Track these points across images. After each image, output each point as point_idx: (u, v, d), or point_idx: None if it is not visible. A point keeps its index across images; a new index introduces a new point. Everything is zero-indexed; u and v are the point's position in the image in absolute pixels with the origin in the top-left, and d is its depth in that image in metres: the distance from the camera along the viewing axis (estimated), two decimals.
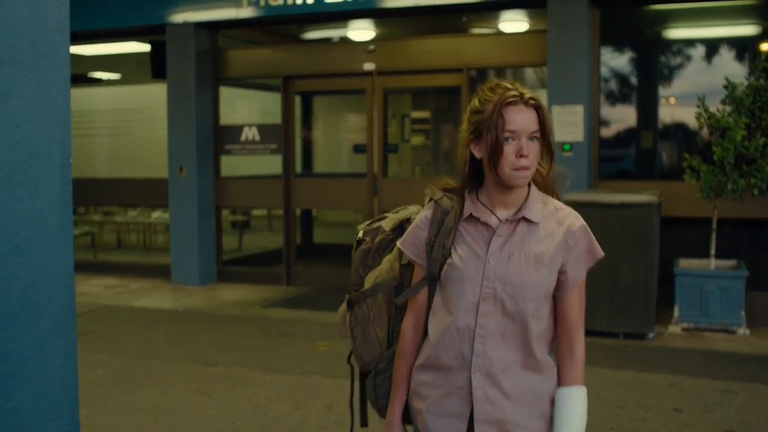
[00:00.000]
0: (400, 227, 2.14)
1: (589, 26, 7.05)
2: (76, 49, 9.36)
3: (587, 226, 1.97)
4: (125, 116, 10.31)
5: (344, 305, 2.19)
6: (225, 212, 9.64)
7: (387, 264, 2.13)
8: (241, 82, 9.38)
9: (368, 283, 2.15)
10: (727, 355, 5.75)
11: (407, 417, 2.06)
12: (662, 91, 7.52)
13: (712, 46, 7.33)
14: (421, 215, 2.03)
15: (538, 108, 1.87)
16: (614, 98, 7.77)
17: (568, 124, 7.00)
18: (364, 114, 8.50)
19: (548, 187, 2.01)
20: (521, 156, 1.84)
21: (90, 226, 10.63)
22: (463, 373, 1.90)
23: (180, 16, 8.51)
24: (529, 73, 8.85)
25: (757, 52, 6.91)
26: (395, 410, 2.05)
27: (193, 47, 8.52)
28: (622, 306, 6.14)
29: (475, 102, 1.91)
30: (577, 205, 6.11)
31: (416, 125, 10.04)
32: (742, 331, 6.18)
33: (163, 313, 7.54)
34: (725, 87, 6.02)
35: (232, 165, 9.12)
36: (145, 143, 10.13)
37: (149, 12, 8.60)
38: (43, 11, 1.11)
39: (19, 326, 1.14)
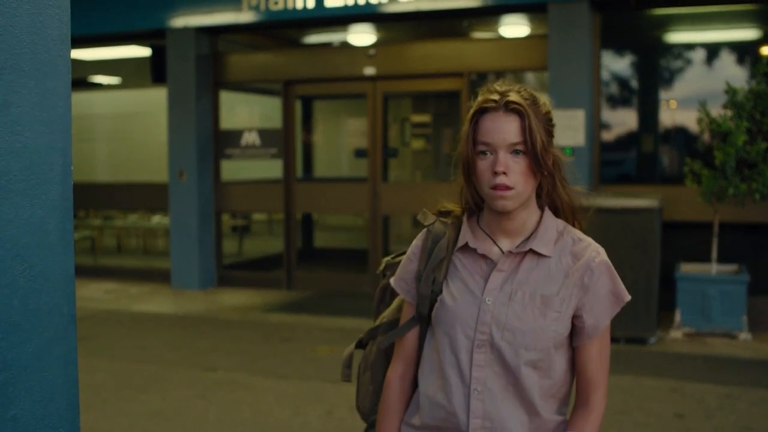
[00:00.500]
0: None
1: (589, 30, 7.05)
2: (76, 54, 9.36)
3: (610, 263, 1.67)
4: (125, 121, 10.32)
5: (351, 346, 1.95)
6: (225, 216, 9.63)
7: (396, 303, 1.86)
8: (241, 87, 9.38)
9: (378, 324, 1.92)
10: (728, 360, 5.73)
11: None
12: (663, 96, 7.52)
13: (713, 51, 7.34)
14: (412, 245, 1.77)
15: (522, 113, 1.56)
16: (615, 102, 7.77)
17: (569, 129, 6.99)
18: (364, 118, 8.50)
19: (569, 213, 1.71)
20: (496, 173, 1.55)
21: (90, 230, 10.62)
22: None
23: (180, 21, 8.51)
24: (530, 77, 8.87)
25: (758, 57, 6.91)
26: None
27: (193, 52, 8.53)
28: (624, 311, 6.08)
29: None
30: None
31: (417, 129, 10.03)
32: (744, 336, 6.17)
33: (163, 317, 7.53)
34: (726, 92, 6.02)
35: (233, 169, 9.12)
36: (145, 148, 10.14)
37: (149, 16, 8.60)
38: (44, 18, 1.10)
39: (19, 334, 1.14)
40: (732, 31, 7.47)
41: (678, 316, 6.32)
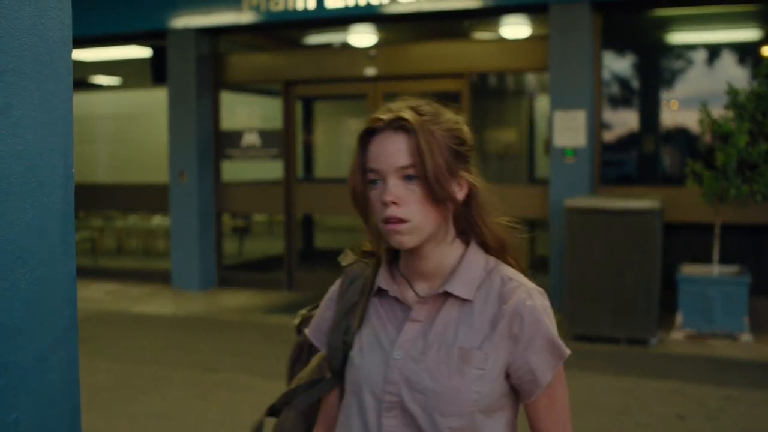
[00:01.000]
0: None
1: (590, 31, 7.05)
2: (77, 54, 9.36)
3: (546, 306, 1.36)
4: (126, 121, 10.31)
5: (262, 414, 1.65)
6: (226, 217, 9.63)
7: (315, 361, 1.57)
8: (242, 87, 9.38)
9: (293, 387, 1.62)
10: (730, 361, 5.73)
11: None
12: (664, 96, 7.52)
13: (714, 51, 7.34)
14: (329, 290, 1.53)
15: (412, 131, 1.31)
16: (616, 103, 7.78)
17: (570, 129, 6.98)
18: (365, 119, 8.46)
19: (498, 249, 1.42)
20: (385, 203, 1.30)
21: (90, 231, 10.62)
22: None
23: (181, 21, 8.51)
24: (531, 78, 8.87)
25: (759, 57, 6.91)
26: None
27: (194, 52, 8.53)
28: (625, 312, 6.13)
29: None
30: (579, 212, 6.12)
31: None
32: (746, 337, 6.16)
33: (164, 318, 7.52)
34: (727, 93, 6.02)
35: (233, 170, 9.11)
36: (145, 148, 10.13)
37: (150, 17, 8.60)
38: (45, 20, 1.10)
39: (21, 338, 1.13)
40: (733, 31, 7.47)
41: (679, 318, 6.32)
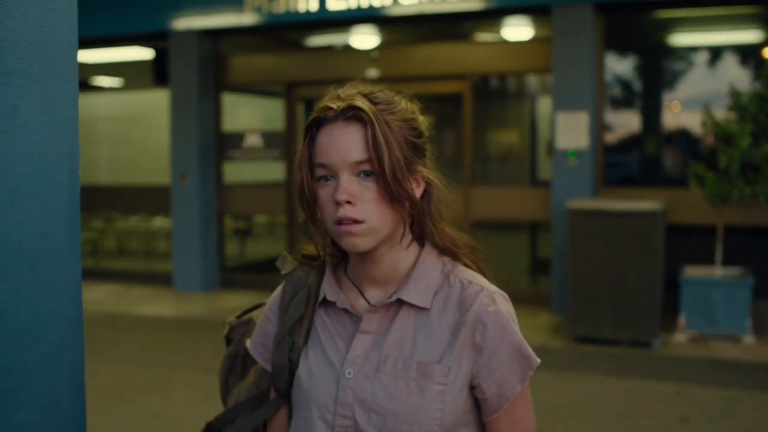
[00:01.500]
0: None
1: (593, 33, 7.05)
2: (79, 56, 9.36)
3: (511, 312, 1.24)
4: (127, 123, 10.31)
5: None
6: (227, 219, 9.63)
7: (252, 375, 1.46)
8: (243, 89, 9.38)
9: (231, 404, 1.52)
10: (733, 363, 5.72)
11: None
12: (667, 98, 7.51)
13: (717, 53, 7.33)
14: (270, 300, 1.39)
15: (367, 122, 1.17)
16: (619, 105, 7.77)
17: (573, 131, 6.98)
18: None
19: (453, 249, 1.29)
20: (338, 203, 1.17)
21: (91, 232, 10.62)
22: None
23: (183, 23, 8.52)
24: (533, 80, 8.86)
25: (762, 59, 6.91)
26: None
27: (195, 54, 8.53)
28: (627, 314, 6.12)
29: None
30: (581, 214, 6.12)
31: None
32: (748, 339, 6.15)
33: (165, 320, 7.52)
34: (730, 95, 6.02)
35: (235, 172, 9.11)
36: (147, 150, 10.13)
37: (152, 18, 8.61)
38: (52, 23, 1.10)
39: (26, 340, 1.13)
40: (736, 33, 7.47)
41: (682, 320, 6.31)
